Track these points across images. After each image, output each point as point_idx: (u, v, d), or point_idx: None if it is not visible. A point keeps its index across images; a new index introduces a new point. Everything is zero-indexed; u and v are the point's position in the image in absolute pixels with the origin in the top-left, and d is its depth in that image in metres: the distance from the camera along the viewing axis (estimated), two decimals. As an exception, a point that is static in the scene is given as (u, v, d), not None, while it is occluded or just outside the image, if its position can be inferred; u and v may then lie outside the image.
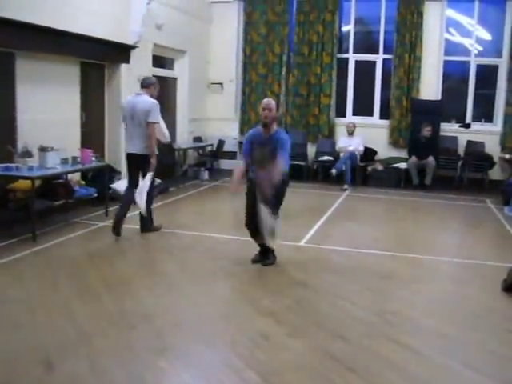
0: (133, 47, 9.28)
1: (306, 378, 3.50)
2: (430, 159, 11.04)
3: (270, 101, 5.59)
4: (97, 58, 8.75)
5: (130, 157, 6.84)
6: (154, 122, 6.68)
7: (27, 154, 6.72)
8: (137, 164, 6.79)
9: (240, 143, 11.76)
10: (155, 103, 6.71)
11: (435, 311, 4.75)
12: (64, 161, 7.03)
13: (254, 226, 5.56)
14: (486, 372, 3.64)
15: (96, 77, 9.05)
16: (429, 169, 11.04)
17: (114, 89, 9.28)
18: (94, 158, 7.52)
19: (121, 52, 9.12)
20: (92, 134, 8.93)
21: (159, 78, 10.59)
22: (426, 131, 11.16)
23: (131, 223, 7.45)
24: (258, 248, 5.85)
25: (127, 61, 9.23)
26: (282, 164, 5.31)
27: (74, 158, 7.20)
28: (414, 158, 11.09)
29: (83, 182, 8.27)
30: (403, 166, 11.33)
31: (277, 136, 5.53)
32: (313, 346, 3.96)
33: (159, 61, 10.90)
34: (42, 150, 6.80)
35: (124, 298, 4.79)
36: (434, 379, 3.55)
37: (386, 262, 6.16)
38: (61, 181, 7.54)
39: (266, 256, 5.81)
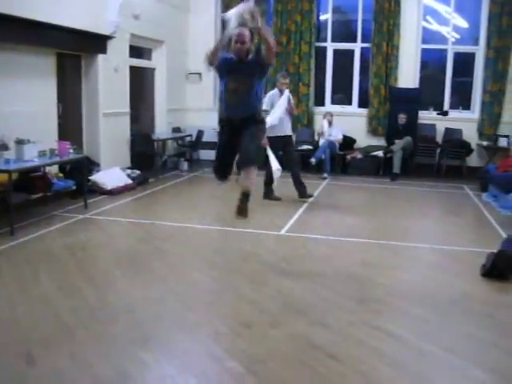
0: (109, 37, 9.17)
1: (289, 366, 3.51)
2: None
3: (242, 31, 4.84)
4: (73, 48, 8.61)
5: None
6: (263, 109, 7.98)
7: (3, 146, 6.63)
8: None
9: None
10: (266, 95, 8.27)
11: (416, 298, 4.79)
12: (41, 153, 6.95)
13: (224, 170, 5.23)
14: (466, 356, 3.70)
15: (72, 68, 8.94)
16: (406, 142, 11.14)
17: (91, 80, 9.18)
18: (71, 150, 7.44)
19: (97, 42, 9.01)
20: (69, 125, 8.83)
21: (137, 68, 10.62)
22: (401, 119, 11.33)
23: (112, 215, 7.42)
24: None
25: (104, 51, 9.13)
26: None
27: (52, 151, 7.13)
28: (397, 146, 11.14)
29: (61, 175, 8.19)
30: (381, 154, 11.40)
31: (253, 57, 5.01)
32: (295, 334, 3.98)
33: (137, 51, 10.79)
34: (19, 142, 6.72)
35: (105, 290, 4.76)
36: (415, 364, 3.59)
37: (367, 250, 6.20)
38: (38, 173, 7.44)
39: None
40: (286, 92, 8.48)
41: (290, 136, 8.65)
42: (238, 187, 5.08)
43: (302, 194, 8.53)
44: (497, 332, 4.14)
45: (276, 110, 8.31)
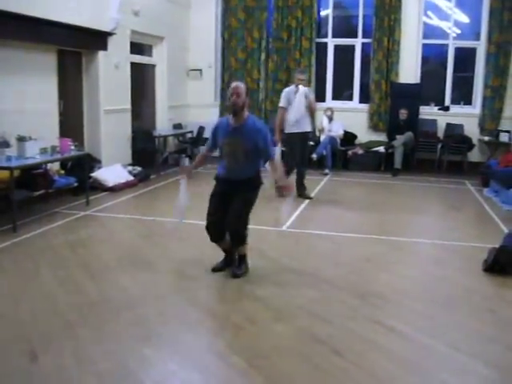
0: (110, 34, 9.18)
1: (292, 361, 3.52)
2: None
3: (238, 85, 4.82)
4: (74, 45, 8.62)
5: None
6: (279, 106, 8.48)
7: (5, 144, 6.63)
8: None
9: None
10: (283, 91, 8.53)
11: (418, 293, 4.80)
12: (43, 150, 6.95)
13: (217, 229, 4.98)
14: (469, 352, 3.70)
15: (73, 64, 8.94)
16: (407, 138, 11.13)
17: (91, 76, 9.17)
18: (73, 147, 7.45)
19: (98, 39, 9.01)
20: (70, 122, 8.83)
21: (137, 64, 10.61)
22: (402, 114, 11.30)
23: (114, 212, 7.43)
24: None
25: (105, 48, 9.12)
26: (279, 166, 5.08)
27: (53, 148, 7.13)
28: (398, 141, 11.12)
29: (63, 172, 8.20)
30: (383, 149, 11.40)
31: (250, 126, 4.82)
32: (298, 329, 3.99)
33: (137, 47, 10.78)
34: (20, 139, 6.72)
35: (107, 286, 4.77)
36: (418, 360, 3.60)
37: (369, 245, 6.21)
38: (40, 171, 7.45)
39: (230, 263, 5.17)
40: (301, 89, 8.33)
41: (309, 132, 8.60)
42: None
43: (301, 194, 8.43)
44: (499, 327, 4.15)
45: (294, 107, 8.26)
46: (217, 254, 5.22)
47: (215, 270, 5.16)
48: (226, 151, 4.92)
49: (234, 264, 5.14)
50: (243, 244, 5.04)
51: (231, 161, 4.91)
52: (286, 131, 8.38)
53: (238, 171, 4.90)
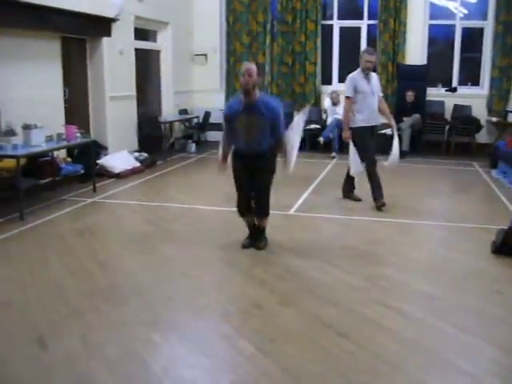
0: (114, 20, 9.12)
1: (299, 344, 3.52)
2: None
3: (249, 65, 5.01)
4: (77, 32, 8.59)
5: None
6: (345, 96, 7.03)
7: (11, 132, 6.63)
8: None
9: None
10: (347, 78, 7.02)
11: (425, 275, 4.79)
12: (49, 138, 6.96)
13: (245, 203, 5.29)
14: (476, 333, 3.69)
15: (78, 51, 8.92)
16: (414, 120, 11.04)
17: (96, 63, 9.15)
18: (79, 135, 7.45)
19: (102, 25, 8.96)
20: (76, 109, 8.83)
21: (142, 50, 10.57)
22: (409, 96, 11.22)
23: (121, 198, 7.44)
24: (247, 231, 5.49)
25: (108, 34, 9.09)
26: (284, 144, 5.24)
27: (59, 135, 7.13)
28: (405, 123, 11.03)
29: (69, 159, 8.21)
30: (389, 132, 11.32)
31: (263, 102, 5.03)
32: (304, 313, 3.99)
33: (141, 33, 10.74)
34: (26, 127, 6.72)
35: (115, 272, 4.79)
36: (425, 342, 3.59)
37: (376, 228, 6.19)
38: (47, 158, 7.46)
39: (256, 239, 5.42)
40: (373, 74, 7.03)
41: (377, 126, 7.26)
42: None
43: (376, 198, 7.02)
44: (507, 309, 4.13)
45: (364, 96, 6.88)
46: (225, 239, 5.24)
47: (244, 246, 5.39)
48: (242, 125, 5.09)
49: (258, 239, 5.41)
50: (267, 215, 5.32)
51: (248, 135, 5.11)
52: (355, 125, 6.92)
53: (256, 145, 5.11)
